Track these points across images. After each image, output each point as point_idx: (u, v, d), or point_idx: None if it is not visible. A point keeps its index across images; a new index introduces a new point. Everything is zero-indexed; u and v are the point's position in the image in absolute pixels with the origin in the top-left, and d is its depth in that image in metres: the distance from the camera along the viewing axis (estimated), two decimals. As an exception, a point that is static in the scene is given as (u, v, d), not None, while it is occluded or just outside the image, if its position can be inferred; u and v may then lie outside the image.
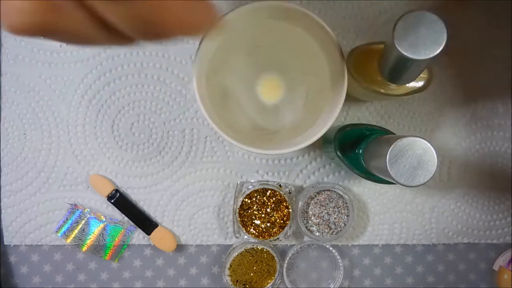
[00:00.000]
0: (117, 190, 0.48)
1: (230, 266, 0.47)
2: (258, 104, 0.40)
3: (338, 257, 0.48)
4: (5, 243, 0.48)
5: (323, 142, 0.47)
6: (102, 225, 0.48)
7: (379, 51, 0.40)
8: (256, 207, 0.46)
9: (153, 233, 0.48)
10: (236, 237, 0.47)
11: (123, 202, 0.48)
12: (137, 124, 0.48)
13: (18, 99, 0.48)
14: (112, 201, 0.47)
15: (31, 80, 0.48)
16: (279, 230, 0.46)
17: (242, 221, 0.46)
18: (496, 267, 0.50)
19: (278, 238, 0.46)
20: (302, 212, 0.47)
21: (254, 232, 0.46)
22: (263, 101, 0.40)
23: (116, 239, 0.48)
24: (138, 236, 0.49)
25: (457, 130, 0.50)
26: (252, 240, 0.46)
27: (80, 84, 0.48)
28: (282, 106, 0.40)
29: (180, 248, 0.49)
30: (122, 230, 0.48)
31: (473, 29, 0.49)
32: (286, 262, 0.47)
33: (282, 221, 0.46)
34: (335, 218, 0.47)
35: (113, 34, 0.18)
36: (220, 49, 0.39)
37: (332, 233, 0.47)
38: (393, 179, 0.32)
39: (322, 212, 0.47)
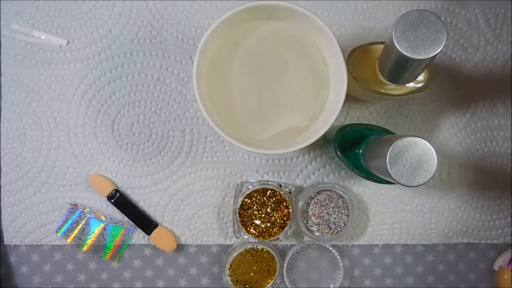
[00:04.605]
0: (117, 190, 0.48)
1: (230, 266, 0.47)
2: (258, 103, 0.40)
3: (338, 257, 0.48)
4: (5, 243, 0.48)
5: (323, 142, 0.47)
6: (102, 225, 0.48)
7: (379, 51, 0.40)
8: (256, 207, 0.46)
9: (153, 233, 0.48)
10: (236, 237, 0.47)
11: (123, 202, 0.48)
12: (137, 124, 0.48)
13: (18, 99, 0.48)
14: (112, 201, 0.47)
15: (31, 80, 0.48)
16: (279, 230, 0.46)
17: (242, 221, 0.46)
18: (496, 267, 0.50)
19: (278, 238, 0.46)
20: (302, 212, 0.47)
21: (254, 232, 0.46)
22: (263, 101, 0.40)
23: (116, 239, 0.48)
24: (138, 236, 0.49)
25: (457, 130, 0.50)
26: (252, 240, 0.46)
27: (80, 84, 0.48)
28: (282, 106, 0.40)
29: (180, 248, 0.49)
30: (122, 230, 0.48)
31: (473, 30, 0.49)
32: (286, 262, 0.47)
33: (282, 221, 0.46)
34: (335, 218, 0.47)
35: None
36: (220, 49, 0.39)
37: (332, 233, 0.47)
38: (393, 179, 0.32)
39: (322, 212, 0.47)
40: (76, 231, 0.48)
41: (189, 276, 0.49)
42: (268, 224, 0.46)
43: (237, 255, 0.47)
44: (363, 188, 0.49)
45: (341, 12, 0.49)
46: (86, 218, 0.48)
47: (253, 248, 0.47)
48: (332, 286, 0.48)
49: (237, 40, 0.39)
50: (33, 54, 0.48)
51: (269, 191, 0.46)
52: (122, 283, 0.49)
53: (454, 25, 0.49)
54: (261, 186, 0.46)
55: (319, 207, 0.47)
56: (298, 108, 0.40)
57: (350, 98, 0.48)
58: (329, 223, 0.47)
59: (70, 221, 0.48)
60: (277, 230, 0.46)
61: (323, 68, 0.40)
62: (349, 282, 0.50)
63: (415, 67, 0.35)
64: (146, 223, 0.48)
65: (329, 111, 0.39)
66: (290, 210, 0.46)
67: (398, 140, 0.32)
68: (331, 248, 0.48)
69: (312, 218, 0.47)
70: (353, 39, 0.49)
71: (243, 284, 0.47)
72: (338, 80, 0.38)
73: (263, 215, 0.46)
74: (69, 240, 0.48)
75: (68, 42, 0.48)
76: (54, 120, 0.48)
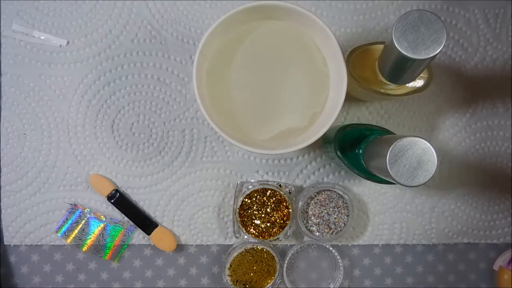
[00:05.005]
0: (117, 190, 0.48)
1: (230, 266, 0.47)
2: (258, 103, 0.40)
3: (338, 257, 0.48)
4: (5, 243, 0.48)
5: (323, 142, 0.47)
6: (102, 225, 0.48)
7: (379, 51, 0.40)
8: (256, 207, 0.46)
9: (153, 233, 0.48)
10: (236, 237, 0.47)
11: (123, 202, 0.48)
12: (137, 124, 0.48)
13: (18, 99, 0.48)
14: (112, 201, 0.47)
15: (31, 80, 0.48)
16: (279, 230, 0.46)
17: (242, 221, 0.46)
18: (496, 267, 0.50)
19: (278, 238, 0.46)
20: (302, 212, 0.47)
21: (254, 232, 0.46)
22: (263, 101, 0.40)
23: (116, 239, 0.48)
24: (138, 236, 0.49)
25: (457, 130, 0.50)
26: (252, 240, 0.46)
27: (80, 84, 0.48)
28: (282, 106, 0.40)
29: (180, 248, 0.49)
30: (122, 230, 0.48)
31: (473, 30, 0.49)
32: (286, 262, 0.47)
33: (282, 221, 0.46)
34: (335, 218, 0.47)
35: None
36: (220, 49, 0.39)
37: (332, 233, 0.47)
38: (393, 179, 0.32)
39: (322, 212, 0.47)
40: (76, 231, 0.48)
41: (189, 276, 0.49)
42: (268, 224, 0.46)
43: (237, 255, 0.47)
44: (363, 188, 0.49)
45: (341, 12, 0.49)
46: (86, 218, 0.48)
47: (253, 248, 0.47)
48: (332, 286, 0.48)
49: (237, 40, 0.39)
50: (33, 54, 0.48)
51: (269, 191, 0.46)
52: (122, 283, 0.49)
53: (454, 25, 0.49)
54: (261, 186, 0.46)
55: (319, 207, 0.47)
56: (298, 108, 0.40)
57: (350, 98, 0.48)
58: (329, 223, 0.47)
59: (70, 221, 0.48)
60: (277, 230, 0.46)
61: (323, 68, 0.40)
62: (349, 282, 0.50)
63: (415, 67, 0.35)
64: (146, 223, 0.48)
65: (329, 111, 0.39)
66: (290, 210, 0.46)
67: (398, 140, 0.32)
68: (331, 248, 0.48)
69: (312, 218, 0.47)
70: (353, 39, 0.49)
71: (243, 284, 0.47)
72: (338, 80, 0.38)
73: (263, 215, 0.46)
74: (69, 240, 0.48)
75: (68, 42, 0.48)
76: (54, 120, 0.48)
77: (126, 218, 0.48)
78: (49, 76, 0.48)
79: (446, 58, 0.49)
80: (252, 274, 0.47)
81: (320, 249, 0.49)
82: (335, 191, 0.47)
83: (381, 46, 0.41)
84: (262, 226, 0.46)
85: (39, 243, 0.48)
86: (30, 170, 0.48)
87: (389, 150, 0.32)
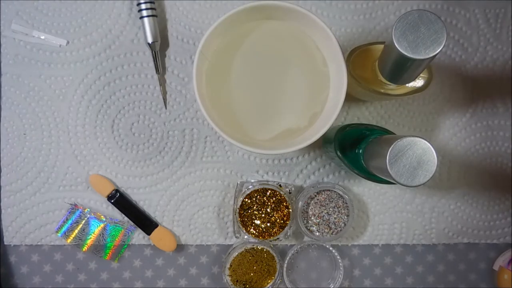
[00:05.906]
0: (117, 190, 0.48)
1: (230, 266, 0.47)
2: (258, 103, 0.40)
3: (338, 257, 0.48)
4: (5, 243, 0.48)
5: (323, 142, 0.47)
6: (102, 225, 0.48)
7: (379, 51, 0.40)
8: (256, 207, 0.46)
9: (153, 233, 0.48)
10: (236, 237, 0.47)
11: (123, 202, 0.48)
12: (137, 124, 0.48)
13: (18, 99, 0.48)
14: (112, 201, 0.47)
15: (31, 80, 0.48)
16: (279, 230, 0.46)
17: (242, 221, 0.46)
18: (496, 267, 0.50)
19: (278, 238, 0.46)
20: (302, 212, 0.47)
21: (254, 232, 0.46)
22: (263, 101, 0.40)
23: (116, 239, 0.48)
24: (138, 236, 0.49)
25: (457, 130, 0.50)
26: (252, 240, 0.46)
27: (80, 84, 0.48)
28: (282, 106, 0.40)
29: (180, 248, 0.49)
30: (122, 230, 0.48)
31: (473, 30, 0.49)
32: (286, 262, 0.47)
33: (282, 221, 0.46)
34: (335, 218, 0.47)
35: None
36: (220, 49, 0.39)
37: (332, 233, 0.47)
38: (393, 179, 0.32)
39: (322, 212, 0.47)
40: (76, 231, 0.48)
41: (189, 276, 0.49)
42: (268, 224, 0.46)
43: (237, 255, 0.47)
44: (363, 188, 0.49)
45: (341, 12, 0.49)
46: (86, 218, 0.48)
47: (253, 248, 0.47)
48: (332, 286, 0.48)
49: (237, 40, 0.39)
50: (33, 54, 0.48)
51: (269, 191, 0.46)
52: (122, 283, 0.49)
53: (454, 25, 0.49)
54: (261, 186, 0.46)
55: (319, 207, 0.47)
56: (298, 108, 0.40)
57: (350, 98, 0.48)
58: (329, 223, 0.47)
59: (70, 221, 0.48)
60: (277, 230, 0.46)
61: (323, 68, 0.40)
62: (349, 282, 0.50)
63: (415, 67, 0.35)
64: (146, 223, 0.48)
65: (329, 111, 0.39)
66: (290, 210, 0.46)
67: (398, 140, 0.32)
68: (331, 248, 0.48)
69: (312, 218, 0.47)
70: (353, 39, 0.49)
71: (243, 284, 0.47)
72: (338, 80, 0.38)
73: (263, 215, 0.46)
74: (69, 240, 0.48)
75: (68, 42, 0.48)
76: (54, 120, 0.48)
77: (126, 218, 0.48)
78: (49, 76, 0.48)
79: (446, 58, 0.49)
80: (252, 274, 0.47)
81: (320, 249, 0.49)
82: (335, 191, 0.47)
83: (381, 46, 0.41)
84: (262, 226, 0.46)
85: (39, 243, 0.48)
86: (30, 170, 0.48)
87: (389, 150, 0.32)
